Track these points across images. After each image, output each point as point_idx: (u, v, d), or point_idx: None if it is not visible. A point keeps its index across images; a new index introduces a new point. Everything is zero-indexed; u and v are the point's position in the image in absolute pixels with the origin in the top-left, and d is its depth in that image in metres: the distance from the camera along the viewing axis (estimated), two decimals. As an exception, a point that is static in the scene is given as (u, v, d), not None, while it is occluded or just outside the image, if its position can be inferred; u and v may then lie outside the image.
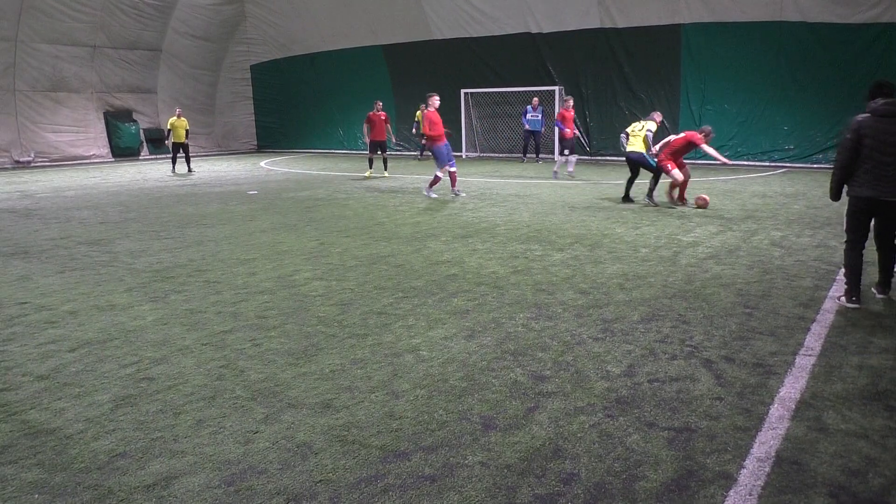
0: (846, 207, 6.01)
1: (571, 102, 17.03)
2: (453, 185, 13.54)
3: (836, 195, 6.02)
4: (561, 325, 5.44)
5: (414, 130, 23.11)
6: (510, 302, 6.09)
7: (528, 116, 21.50)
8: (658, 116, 12.64)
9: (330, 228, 10.21)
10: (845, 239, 6.05)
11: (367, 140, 18.00)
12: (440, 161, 13.23)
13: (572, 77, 22.09)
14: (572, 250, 8.24)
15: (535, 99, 21.46)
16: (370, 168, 18.14)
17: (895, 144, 5.58)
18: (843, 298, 5.91)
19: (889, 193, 5.66)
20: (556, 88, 22.12)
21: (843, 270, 7.04)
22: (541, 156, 22.03)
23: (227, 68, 30.10)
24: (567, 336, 5.16)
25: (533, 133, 21.60)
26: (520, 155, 22.33)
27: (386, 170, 18.32)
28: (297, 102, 29.31)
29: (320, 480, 3.22)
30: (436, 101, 13.32)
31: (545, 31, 22.05)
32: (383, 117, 17.80)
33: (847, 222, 6.00)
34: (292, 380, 4.43)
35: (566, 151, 16.69)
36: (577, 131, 17.33)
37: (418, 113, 22.50)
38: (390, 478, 3.23)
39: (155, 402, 4.12)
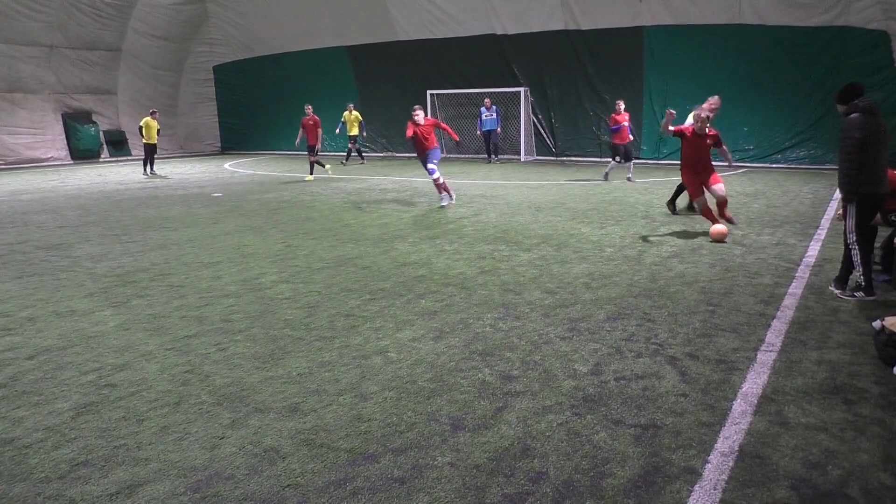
0: (854, 207, 5.94)
1: (622, 106, 15.60)
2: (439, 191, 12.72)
3: (854, 195, 5.93)
4: (528, 324, 5.47)
5: (338, 131, 22.80)
6: (478, 302, 6.11)
7: (483, 117, 21.63)
8: (710, 104, 10.15)
9: (296, 231, 10.12)
10: (855, 239, 5.99)
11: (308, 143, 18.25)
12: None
13: (537, 78, 22.25)
14: (539, 250, 8.29)
15: (487, 100, 21.61)
16: (327, 167, 18.31)
17: (885, 140, 5.89)
18: (861, 293, 6.00)
19: (884, 186, 5.94)
20: (522, 90, 22.25)
21: (801, 268, 7.22)
22: (499, 156, 22.14)
23: (189, 69, 29.65)
24: (535, 336, 5.20)
25: (489, 133, 21.75)
26: (485, 156, 22.43)
27: (311, 173, 18.21)
28: (261, 104, 29.00)
29: (288, 485, 3.19)
30: (415, 115, 12.29)
31: (510, 32, 22.17)
32: (312, 122, 18.03)
33: (857, 220, 5.96)
34: (259, 384, 4.38)
35: (617, 158, 15.64)
36: (630, 136, 15.81)
37: (345, 114, 22.31)
38: (359, 481, 3.22)
39: (118, 409, 4.04)
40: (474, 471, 3.28)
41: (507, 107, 22.49)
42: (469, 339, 5.15)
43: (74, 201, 14.34)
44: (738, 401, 4.00)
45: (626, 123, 15.53)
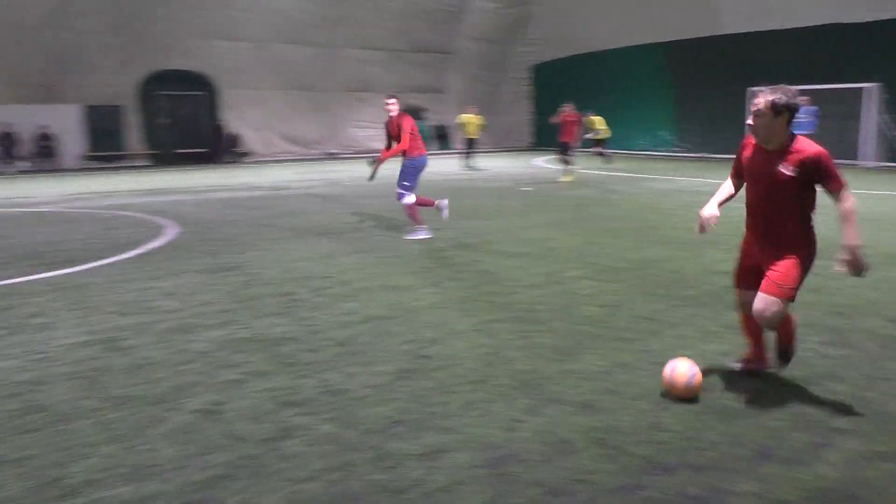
0: None
1: None
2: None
3: None
4: (861, 355, 4.76)
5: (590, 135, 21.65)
6: (800, 323, 5.48)
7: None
8: None
9: (601, 228, 10.11)
10: None
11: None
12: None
13: (892, 72, 19.16)
14: (884, 270, 7.16)
15: (805, 97, 19.05)
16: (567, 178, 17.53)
17: None
18: None
19: None
20: (868, 86, 19.34)
21: None
22: None
23: (509, 68, 31.28)
24: (869, 369, 4.51)
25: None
26: None
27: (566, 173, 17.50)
28: (575, 101, 29.49)
29: (578, 479, 3.20)
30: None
31: (860, 20, 19.41)
32: (572, 119, 17.78)
33: None
34: (556, 375, 4.47)
35: None
36: None
37: (588, 119, 21.17)
38: (651, 490, 3.10)
39: (429, 379, 4.43)
40: (784, 507, 2.97)
41: (846, 105, 19.74)
42: (785, 361, 4.65)
43: (404, 188, 16.07)
44: None
45: None
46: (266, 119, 27.50)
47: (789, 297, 3.92)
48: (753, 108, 3.92)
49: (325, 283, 7.02)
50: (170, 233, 10.37)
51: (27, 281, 7.33)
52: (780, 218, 3.96)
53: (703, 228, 4.34)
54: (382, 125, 10.07)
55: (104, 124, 25.53)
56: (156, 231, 10.54)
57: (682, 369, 4.02)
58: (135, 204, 14.16)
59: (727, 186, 4.38)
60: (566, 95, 29.57)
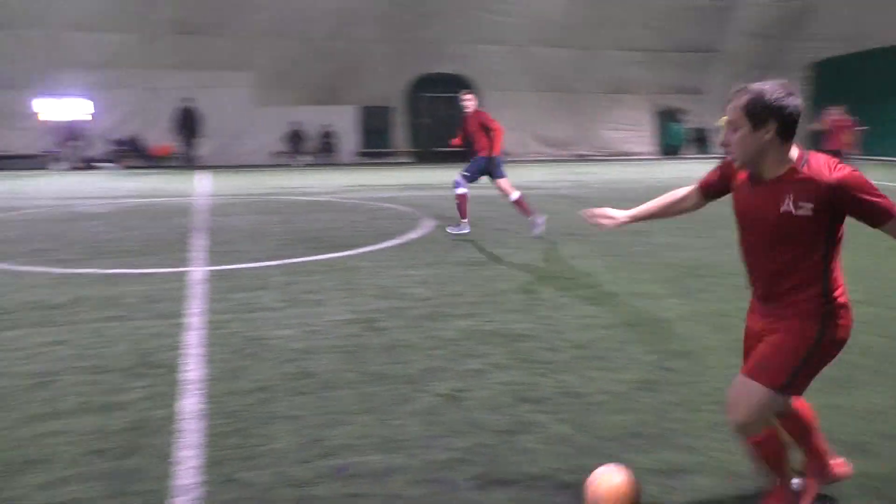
0: None
1: None
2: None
3: None
4: None
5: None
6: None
7: None
8: None
9: (884, 247, 8.82)
10: None
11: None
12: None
13: None
14: None
15: None
16: None
17: None
18: None
19: None
20: None
21: None
22: None
23: (783, 67, 28.59)
24: None
25: None
26: None
27: None
28: (863, 104, 26.11)
29: (844, 530, 2.83)
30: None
31: None
32: (840, 124, 15.35)
33: None
34: (821, 408, 3.95)
35: None
36: None
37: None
38: (939, 559, 2.64)
39: (672, 394, 4.21)
40: None
41: None
42: None
43: (656, 192, 15.47)
44: None
45: None
46: (520, 120, 28.18)
47: (777, 387, 2.66)
48: (727, 117, 2.66)
49: (569, 284, 7.01)
50: (426, 226, 11.10)
51: (306, 261, 8.31)
52: (789, 275, 2.65)
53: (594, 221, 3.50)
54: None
55: (375, 124, 28.20)
56: (414, 223, 11.35)
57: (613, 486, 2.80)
58: (397, 197, 15.38)
59: (679, 193, 3.36)
60: (851, 96, 26.39)
